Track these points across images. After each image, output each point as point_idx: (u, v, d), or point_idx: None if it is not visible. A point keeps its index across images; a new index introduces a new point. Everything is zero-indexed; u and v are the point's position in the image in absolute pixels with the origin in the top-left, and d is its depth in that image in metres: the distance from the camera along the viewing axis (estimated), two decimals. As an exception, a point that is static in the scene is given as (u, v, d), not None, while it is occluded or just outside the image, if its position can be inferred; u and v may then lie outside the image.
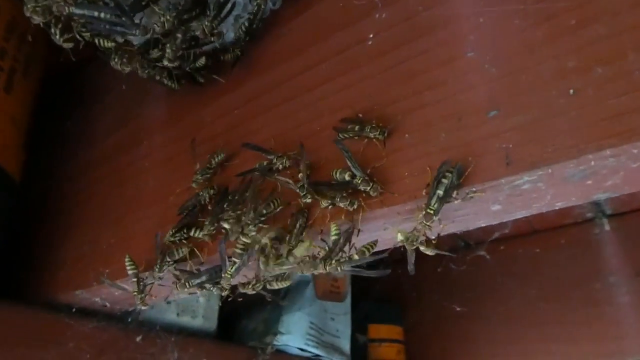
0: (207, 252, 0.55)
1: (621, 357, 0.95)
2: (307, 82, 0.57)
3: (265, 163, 0.54)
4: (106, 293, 0.65)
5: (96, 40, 0.56)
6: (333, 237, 0.46)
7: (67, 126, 0.81)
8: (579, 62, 0.40)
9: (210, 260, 0.55)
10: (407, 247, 0.44)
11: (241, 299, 0.53)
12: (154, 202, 0.64)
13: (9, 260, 0.71)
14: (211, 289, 0.53)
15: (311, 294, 0.96)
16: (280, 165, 0.53)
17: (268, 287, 0.52)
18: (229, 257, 0.51)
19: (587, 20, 0.41)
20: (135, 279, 0.57)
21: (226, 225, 0.50)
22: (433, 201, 0.42)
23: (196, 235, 0.54)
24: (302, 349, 0.91)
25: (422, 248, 0.45)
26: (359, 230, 0.47)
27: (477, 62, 0.46)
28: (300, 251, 0.47)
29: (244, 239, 0.49)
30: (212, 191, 0.56)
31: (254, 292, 0.51)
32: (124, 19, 0.52)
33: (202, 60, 0.60)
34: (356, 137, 0.49)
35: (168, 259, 0.54)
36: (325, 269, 0.46)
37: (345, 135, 0.50)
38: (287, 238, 0.48)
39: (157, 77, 0.60)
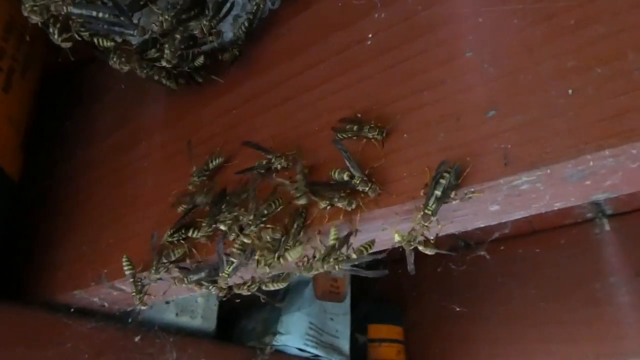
0: (205, 252, 0.55)
1: (621, 357, 0.95)
2: (306, 82, 0.56)
3: (264, 162, 0.54)
4: (105, 293, 0.65)
5: (95, 40, 0.56)
6: (332, 242, 0.46)
7: (66, 126, 0.81)
8: (578, 61, 0.40)
9: (208, 260, 0.55)
10: (405, 247, 0.44)
11: (239, 300, 0.53)
12: (152, 202, 0.64)
13: (8, 260, 0.71)
14: (209, 287, 0.53)
15: (310, 294, 0.96)
16: (279, 165, 0.53)
17: (264, 288, 0.52)
18: (227, 257, 0.51)
19: (586, 20, 0.41)
20: (132, 280, 0.57)
21: (223, 227, 0.50)
22: (431, 202, 0.42)
23: (194, 235, 0.54)
24: (301, 349, 0.91)
25: (421, 248, 0.45)
26: (357, 231, 0.47)
27: (476, 61, 0.45)
28: (294, 254, 0.47)
29: (244, 239, 0.48)
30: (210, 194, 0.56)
31: (249, 293, 0.51)
32: (122, 18, 0.52)
33: (200, 60, 0.60)
34: (355, 137, 0.49)
35: (165, 260, 0.54)
36: (323, 268, 0.46)
37: (344, 136, 0.50)
38: (285, 239, 0.48)
39: (156, 77, 0.60)
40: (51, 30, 0.53)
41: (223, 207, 0.52)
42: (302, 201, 0.47)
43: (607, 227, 1.04)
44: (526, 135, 0.40)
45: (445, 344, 1.15)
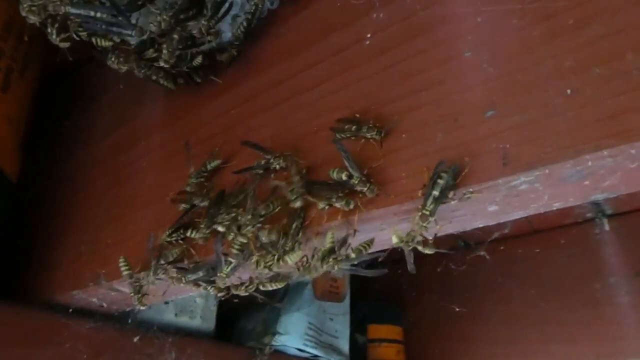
0: (204, 253, 0.55)
1: (621, 357, 0.95)
2: (304, 82, 0.56)
3: (262, 162, 0.54)
4: (103, 293, 0.65)
5: (93, 40, 0.56)
6: (329, 245, 0.46)
7: (65, 126, 0.81)
8: (577, 61, 0.40)
9: (206, 261, 0.54)
10: (403, 248, 0.44)
11: (237, 300, 0.53)
12: (151, 202, 0.64)
13: (6, 260, 0.71)
14: (207, 288, 0.53)
15: (310, 295, 0.95)
16: (277, 166, 0.52)
17: (262, 288, 0.52)
18: (225, 257, 0.50)
19: (585, 19, 0.41)
20: (130, 281, 0.57)
21: (220, 229, 0.50)
22: (429, 202, 0.41)
23: (192, 235, 0.54)
24: (300, 350, 0.91)
25: (420, 248, 0.45)
26: (355, 231, 0.47)
27: (474, 61, 0.45)
28: (293, 256, 0.47)
29: (241, 239, 0.48)
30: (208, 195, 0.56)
31: (247, 293, 0.51)
32: (120, 18, 0.52)
33: (199, 60, 0.59)
34: (353, 138, 0.49)
35: (162, 261, 0.54)
36: (322, 268, 0.46)
37: (342, 136, 0.50)
38: (283, 241, 0.48)
39: (154, 77, 0.60)
40: (49, 30, 0.53)
41: (221, 209, 0.52)
42: (297, 204, 0.47)
43: (607, 227, 1.04)
44: (525, 135, 0.40)
45: (444, 344, 1.15)
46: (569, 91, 0.40)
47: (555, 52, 0.41)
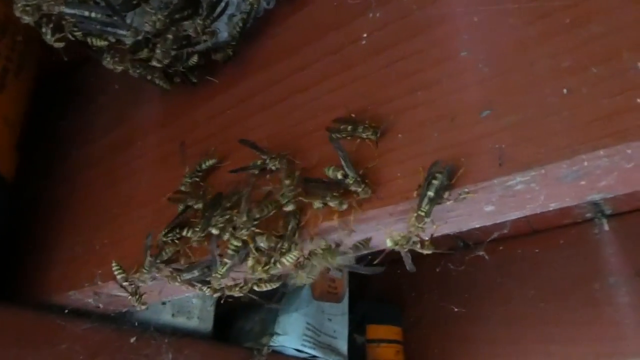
0: (200, 253, 0.54)
1: (621, 357, 0.94)
2: (300, 82, 0.56)
3: (258, 162, 0.54)
4: (99, 294, 0.64)
5: (88, 40, 0.55)
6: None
7: (61, 126, 0.81)
8: (573, 61, 0.40)
9: (201, 261, 0.54)
10: (398, 250, 0.44)
11: (232, 300, 0.53)
12: (147, 203, 0.63)
13: (2, 260, 0.71)
14: (202, 288, 0.53)
15: (308, 295, 0.95)
16: (273, 167, 0.52)
17: (257, 288, 0.51)
18: (221, 257, 0.50)
19: (581, 19, 0.40)
20: (125, 283, 0.56)
21: (214, 231, 0.50)
22: (424, 203, 0.41)
23: (189, 235, 0.54)
24: (298, 350, 0.91)
25: (417, 248, 0.44)
26: (352, 231, 0.47)
27: (471, 61, 0.45)
28: (290, 258, 0.46)
29: (235, 242, 0.48)
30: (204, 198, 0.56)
31: (241, 294, 0.50)
32: (115, 18, 0.52)
33: (194, 59, 0.59)
34: (349, 138, 0.49)
35: (157, 261, 0.54)
36: (318, 263, 0.46)
37: (338, 136, 0.49)
38: (280, 244, 0.47)
39: (149, 77, 0.60)
40: (44, 30, 0.53)
41: (216, 212, 0.51)
42: (289, 207, 0.47)
43: (607, 227, 1.04)
44: (521, 135, 0.40)
45: (444, 344, 1.14)
46: (565, 91, 0.39)
47: (551, 52, 0.41)
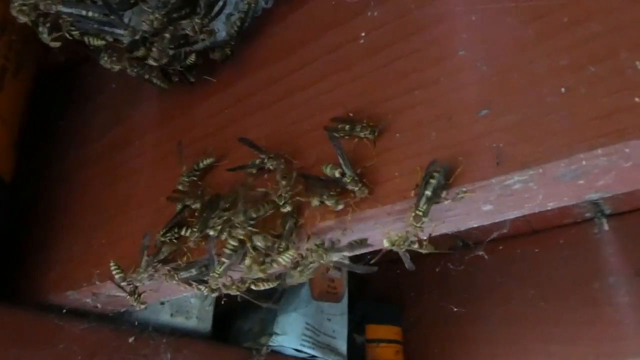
0: (197, 253, 0.54)
1: (621, 357, 0.94)
2: (298, 81, 0.56)
3: (257, 161, 0.54)
4: (97, 294, 0.64)
5: (85, 39, 0.55)
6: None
7: (59, 126, 0.81)
8: (571, 60, 0.40)
9: (199, 260, 0.54)
10: (395, 250, 0.44)
11: (225, 299, 0.53)
12: (145, 202, 0.63)
13: (0, 260, 0.71)
14: (199, 287, 0.53)
15: (307, 295, 0.95)
16: (271, 166, 0.52)
17: (254, 287, 0.51)
18: (218, 256, 0.50)
19: (579, 17, 0.40)
20: (123, 283, 0.56)
21: (211, 232, 0.50)
22: (422, 202, 0.41)
23: (187, 234, 0.54)
24: (297, 350, 0.91)
25: (415, 247, 0.44)
26: (345, 229, 0.46)
27: (468, 60, 0.45)
28: (287, 257, 0.46)
29: (232, 242, 0.48)
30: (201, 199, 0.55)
31: (237, 292, 0.50)
32: (112, 17, 0.51)
33: (192, 58, 0.59)
34: (347, 137, 0.49)
35: (155, 261, 0.54)
36: (313, 260, 0.46)
37: (336, 135, 0.49)
38: (277, 243, 0.47)
39: (147, 76, 0.60)
40: (40, 29, 0.53)
41: (213, 213, 0.51)
42: (287, 209, 0.47)
43: (606, 227, 1.04)
44: (518, 134, 0.40)
45: (444, 344, 1.14)
46: (563, 90, 0.39)
47: (549, 51, 0.41)
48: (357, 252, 0.46)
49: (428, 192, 0.41)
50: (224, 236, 0.49)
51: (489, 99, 0.42)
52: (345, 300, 1.04)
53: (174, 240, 0.56)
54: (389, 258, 0.48)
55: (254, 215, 0.48)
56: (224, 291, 0.51)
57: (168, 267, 0.54)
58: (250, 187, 0.52)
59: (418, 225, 0.42)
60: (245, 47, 0.62)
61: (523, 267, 1.09)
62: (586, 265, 1.02)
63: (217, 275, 0.49)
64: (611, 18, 0.39)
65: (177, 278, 0.52)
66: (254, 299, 0.54)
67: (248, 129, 0.58)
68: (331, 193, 0.45)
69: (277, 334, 0.89)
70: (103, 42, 0.55)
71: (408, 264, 0.46)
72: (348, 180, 0.45)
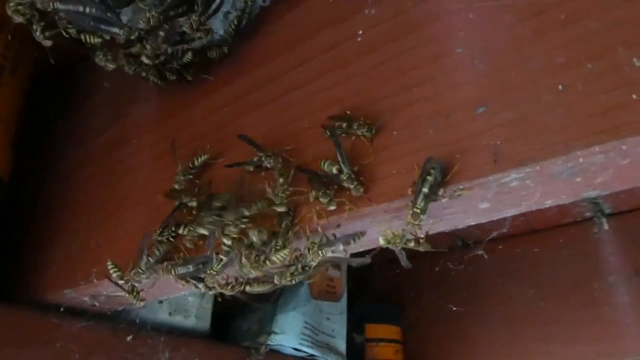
0: (195, 252, 0.54)
1: (620, 357, 0.94)
2: (296, 79, 0.56)
3: (255, 159, 0.54)
4: (95, 292, 0.64)
5: (82, 37, 0.55)
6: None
7: (57, 125, 0.81)
8: (569, 57, 0.40)
9: (196, 257, 0.54)
10: (391, 248, 0.44)
11: (229, 299, 0.53)
12: (142, 201, 0.63)
13: (-2, 259, 0.71)
14: (197, 285, 0.52)
15: (306, 294, 0.95)
16: (268, 164, 0.52)
17: (248, 289, 0.51)
18: (217, 254, 0.50)
19: (576, 15, 0.40)
20: (121, 282, 0.56)
21: (204, 232, 0.49)
22: (419, 199, 0.41)
23: (184, 233, 0.54)
24: (296, 349, 0.91)
25: (412, 245, 0.44)
26: (339, 225, 0.46)
27: (466, 58, 0.45)
28: (281, 256, 0.46)
29: (225, 240, 0.48)
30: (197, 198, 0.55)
31: (232, 293, 0.50)
32: (109, 14, 0.51)
33: (188, 56, 0.59)
34: (344, 135, 0.49)
35: (151, 259, 0.54)
36: (309, 254, 0.46)
37: (337, 132, 0.49)
38: (274, 241, 0.47)
39: (144, 74, 0.60)
40: (34, 27, 0.52)
41: (207, 212, 0.51)
42: (282, 209, 0.47)
43: (606, 227, 1.03)
44: (516, 131, 0.40)
45: (443, 343, 1.14)
46: (560, 87, 0.39)
47: (546, 48, 0.41)
48: (352, 244, 0.46)
49: (425, 190, 0.41)
50: (217, 235, 0.49)
51: (486, 96, 0.42)
52: (344, 300, 1.04)
53: (171, 239, 0.55)
54: (388, 257, 0.48)
55: (246, 213, 0.48)
56: (219, 290, 0.51)
57: (165, 264, 0.53)
58: (246, 184, 0.51)
59: (416, 222, 0.42)
60: (242, 46, 0.62)
61: (523, 266, 1.09)
62: (586, 265, 1.02)
63: (214, 273, 0.49)
64: (608, 15, 0.39)
65: (174, 273, 0.52)
66: (252, 298, 0.54)
67: (246, 127, 0.58)
68: (327, 191, 0.45)
69: (276, 333, 0.89)
70: (100, 40, 0.55)
71: (404, 262, 0.46)
72: (344, 178, 0.45)
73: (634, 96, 0.36)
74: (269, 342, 0.88)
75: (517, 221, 1.07)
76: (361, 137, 0.48)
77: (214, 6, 0.56)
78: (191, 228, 0.52)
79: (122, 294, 0.59)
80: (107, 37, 0.56)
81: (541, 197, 0.42)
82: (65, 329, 0.64)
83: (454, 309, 1.06)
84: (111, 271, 0.57)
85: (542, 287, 1.05)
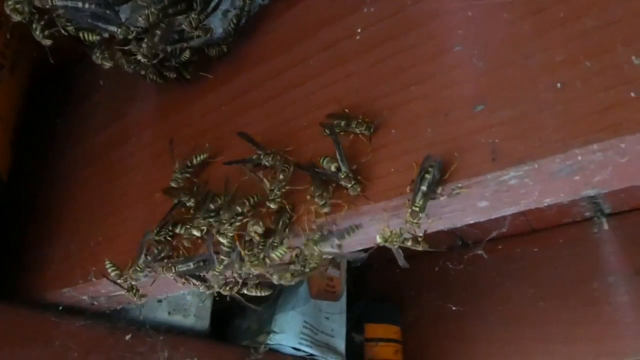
0: (194, 251, 0.54)
1: (620, 356, 0.94)
2: (295, 77, 0.56)
3: (254, 157, 0.54)
4: (93, 291, 0.64)
5: (80, 34, 0.55)
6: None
7: (57, 124, 0.81)
8: (567, 55, 0.39)
9: (196, 255, 0.54)
10: (389, 247, 0.43)
11: (217, 298, 0.53)
12: (141, 199, 0.63)
13: (-3, 258, 0.71)
14: (195, 283, 0.52)
15: (305, 293, 0.95)
16: (267, 163, 0.52)
17: (246, 292, 0.51)
18: (217, 254, 0.50)
19: (575, 13, 0.40)
20: (120, 280, 0.56)
21: (196, 233, 0.49)
22: (418, 198, 0.41)
23: (181, 232, 0.54)
24: (295, 348, 0.91)
25: (409, 244, 0.44)
26: (335, 224, 0.46)
27: (464, 56, 0.45)
28: (279, 253, 0.46)
29: (222, 239, 0.48)
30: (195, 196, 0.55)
31: (229, 293, 0.50)
32: (107, 12, 0.51)
33: (187, 54, 0.59)
34: (342, 133, 0.49)
35: (149, 257, 0.54)
36: (304, 249, 0.46)
37: (337, 130, 0.49)
38: (272, 239, 0.47)
39: (142, 72, 0.59)
40: (34, 26, 0.52)
41: (200, 212, 0.51)
42: (272, 205, 0.47)
43: (606, 226, 1.03)
44: (514, 129, 0.40)
45: (443, 343, 1.14)
46: (559, 85, 0.39)
47: (545, 46, 0.41)
48: (347, 238, 0.46)
49: (423, 188, 0.41)
50: (213, 233, 0.49)
51: (484, 94, 0.42)
52: (343, 299, 1.04)
53: (168, 238, 0.55)
54: (387, 257, 0.48)
55: (239, 210, 0.48)
56: (217, 289, 0.50)
57: (165, 261, 0.53)
58: (231, 185, 0.51)
59: (415, 221, 0.42)
60: (241, 44, 0.62)
61: (522, 266, 1.09)
62: (585, 265, 1.02)
63: (217, 273, 0.49)
64: (607, 13, 0.39)
65: (174, 270, 0.52)
66: (251, 301, 0.54)
67: (244, 126, 0.58)
68: (323, 194, 0.45)
69: (275, 332, 0.89)
70: (98, 37, 0.55)
71: (401, 261, 0.46)
72: (342, 177, 0.45)
73: (633, 94, 0.36)
74: (268, 342, 0.88)
75: (516, 221, 1.07)
76: (360, 136, 0.48)
77: (212, 4, 0.56)
78: (187, 227, 0.51)
79: (121, 292, 0.59)
80: (106, 35, 0.56)
81: (540, 196, 0.42)
82: (64, 328, 0.64)
83: (454, 308, 1.06)
84: (109, 270, 0.57)
85: (542, 287, 1.05)
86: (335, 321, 1.00)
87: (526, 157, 0.38)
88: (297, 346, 0.90)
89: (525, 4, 0.43)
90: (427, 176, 0.40)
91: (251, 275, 0.50)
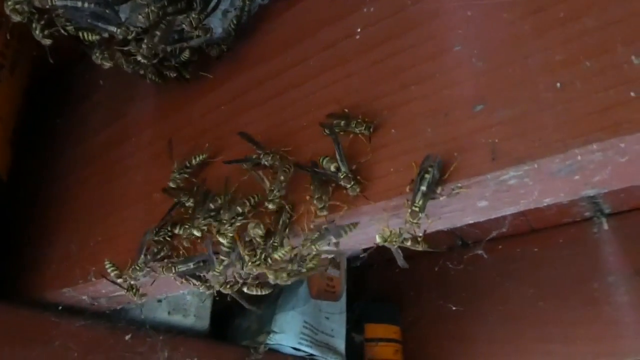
0: (193, 251, 0.54)
1: (620, 356, 0.94)
2: (294, 77, 0.56)
3: (254, 157, 0.54)
4: (93, 291, 0.64)
5: (80, 34, 0.55)
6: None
7: (57, 124, 0.81)
8: (567, 55, 0.39)
9: (196, 255, 0.54)
10: (388, 246, 0.43)
11: (217, 297, 0.53)
12: (141, 199, 0.63)
13: (-4, 258, 0.71)
14: (197, 285, 0.52)
15: (305, 293, 0.95)
16: (266, 162, 0.52)
17: (246, 291, 0.51)
18: (216, 254, 0.50)
19: (575, 12, 0.40)
20: (119, 280, 0.56)
21: (196, 233, 0.49)
22: (417, 198, 0.41)
23: (180, 232, 0.54)
24: (295, 348, 0.91)
25: (409, 244, 0.44)
26: (333, 222, 0.46)
27: (464, 56, 0.45)
28: (281, 253, 0.46)
29: (222, 239, 0.48)
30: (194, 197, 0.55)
31: (229, 292, 0.50)
32: (107, 11, 0.51)
33: (186, 54, 0.59)
34: (342, 133, 0.49)
35: (149, 257, 0.54)
36: (302, 249, 0.46)
37: (336, 130, 0.49)
38: (272, 239, 0.47)
39: (142, 72, 0.59)
40: (34, 25, 0.52)
41: (199, 213, 0.51)
42: (270, 206, 0.47)
43: (606, 226, 1.03)
44: (514, 129, 0.40)
45: (443, 343, 1.14)
46: (558, 85, 0.39)
47: (545, 46, 0.41)
48: (344, 236, 0.46)
49: (423, 188, 0.41)
50: (213, 234, 0.49)
51: (484, 94, 0.42)
52: (343, 299, 1.04)
53: (167, 239, 0.55)
54: (387, 257, 0.48)
55: (240, 210, 0.48)
56: (217, 289, 0.50)
57: (165, 261, 0.53)
58: (231, 185, 0.51)
59: (415, 221, 0.42)
60: (241, 44, 0.62)
61: (522, 266, 1.09)
62: (585, 265, 1.02)
63: (218, 274, 0.49)
64: (607, 13, 0.39)
65: (174, 270, 0.52)
66: (250, 301, 0.54)
67: (244, 126, 0.58)
68: (322, 197, 0.45)
69: (275, 332, 0.89)
70: (98, 37, 0.55)
71: (401, 261, 0.46)
72: (342, 177, 0.45)
73: (633, 94, 0.36)
74: (268, 342, 0.88)
75: (516, 221, 1.07)
76: (359, 136, 0.48)
77: (212, 4, 0.56)
78: (187, 227, 0.51)
79: (121, 292, 0.59)
80: (105, 35, 0.56)
81: (539, 195, 0.42)
82: (63, 328, 0.64)
83: (454, 308, 1.06)
84: (109, 270, 0.57)
85: (542, 286, 1.05)
86: (335, 321, 1.00)
87: (526, 157, 0.38)
88: (297, 346, 0.90)
89: (525, 4, 0.43)
90: (427, 176, 0.40)
91: (251, 275, 0.49)
